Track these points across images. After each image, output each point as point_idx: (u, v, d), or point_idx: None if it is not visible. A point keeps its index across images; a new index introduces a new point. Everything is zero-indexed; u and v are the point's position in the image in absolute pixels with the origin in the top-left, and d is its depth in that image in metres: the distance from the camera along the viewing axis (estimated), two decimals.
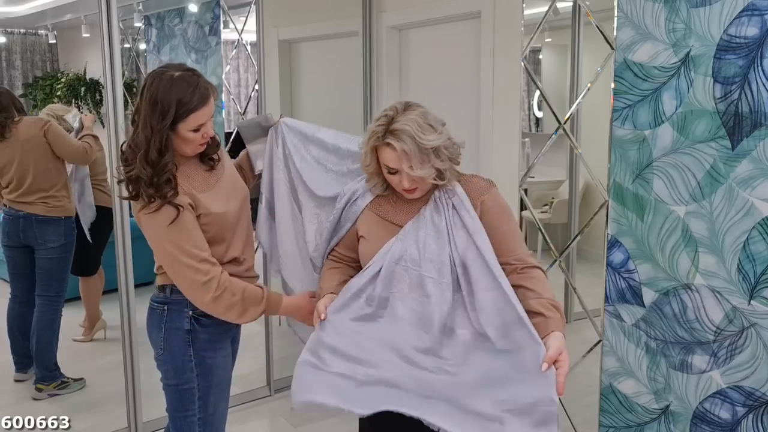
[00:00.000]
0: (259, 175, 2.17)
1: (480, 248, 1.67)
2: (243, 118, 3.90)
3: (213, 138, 1.90)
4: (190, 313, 1.87)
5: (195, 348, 1.89)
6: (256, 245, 2.18)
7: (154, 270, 1.93)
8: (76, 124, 3.60)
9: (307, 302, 1.94)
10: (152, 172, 1.73)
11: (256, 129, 2.15)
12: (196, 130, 1.78)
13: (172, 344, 1.88)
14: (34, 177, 3.30)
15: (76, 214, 3.62)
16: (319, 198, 2.06)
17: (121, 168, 1.81)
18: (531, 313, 1.62)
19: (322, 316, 1.75)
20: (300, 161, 2.10)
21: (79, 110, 3.78)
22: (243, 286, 1.81)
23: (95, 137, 3.51)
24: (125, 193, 1.79)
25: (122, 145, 1.83)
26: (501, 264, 1.69)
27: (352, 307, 1.75)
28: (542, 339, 1.57)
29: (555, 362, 1.54)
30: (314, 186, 2.06)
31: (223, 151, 2.00)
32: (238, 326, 2.08)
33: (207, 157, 1.91)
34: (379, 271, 1.73)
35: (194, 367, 1.89)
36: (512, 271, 1.69)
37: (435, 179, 1.71)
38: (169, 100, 1.72)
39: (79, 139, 3.49)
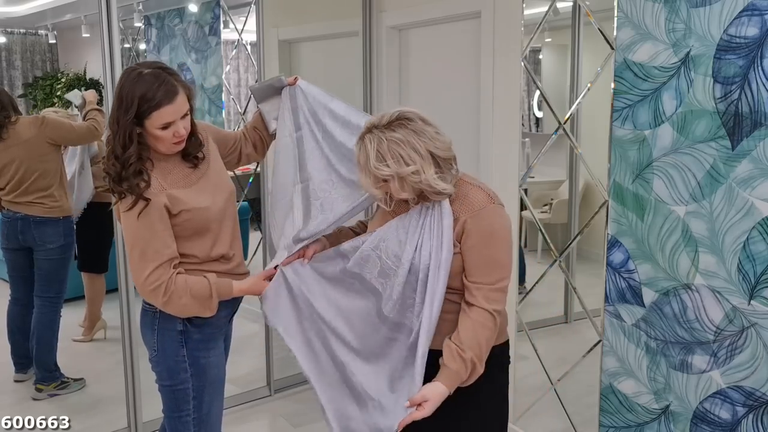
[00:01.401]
0: (275, 135, 2.14)
1: (431, 268, 1.67)
2: (242, 117, 3.90)
3: (196, 137, 1.89)
4: None
5: (188, 348, 1.89)
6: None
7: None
8: (78, 101, 3.56)
9: (260, 277, 1.93)
10: (120, 168, 1.75)
11: (269, 90, 2.11)
12: (164, 128, 1.77)
13: (165, 345, 1.89)
14: (34, 177, 3.29)
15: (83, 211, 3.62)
16: (335, 170, 2.02)
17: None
18: (440, 351, 1.69)
19: (305, 261, 1.89)
20: (318, 131, 2.06)
21: (79, 110, 3.76)
22: (189, 286, 1.80)
23: (100, 110, 3.45)
24: (106, 186, 1.83)
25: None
26: (466, 285, 1.69)
27: (332, 264, 1.87)
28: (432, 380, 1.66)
29: (418, 404, 1.63)
30: (335, 159, 2.03)
31: (212, 149, 1.99)
32: (230, 323, 2.08)
33: (190, 156, 1.90)
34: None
35: (188, 367, 1.90)
36: (468, 296, 1.69)
37: (388, 204, 1.73)
38: (132, 95, 1.73)
39: (85, 115, 3.45)
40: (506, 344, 1.83)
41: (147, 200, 1.76)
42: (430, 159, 1.62)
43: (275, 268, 1.92)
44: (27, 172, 3.28)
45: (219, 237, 1.91)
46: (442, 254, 1.66)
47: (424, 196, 1.70)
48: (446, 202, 1.69)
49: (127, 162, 1.75)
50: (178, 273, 1.81)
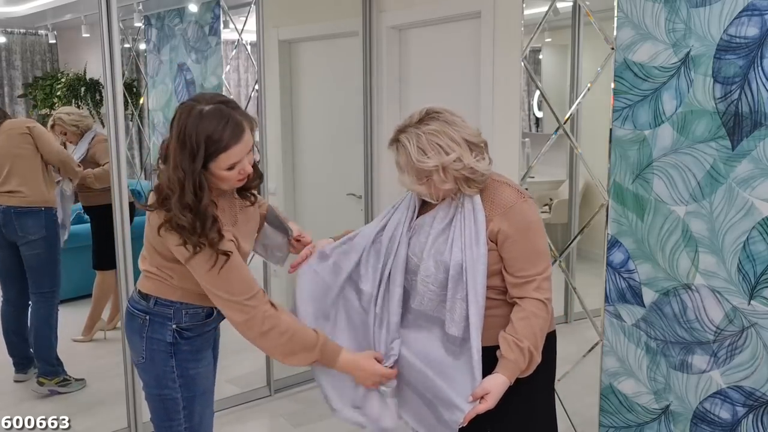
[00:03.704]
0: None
1: (467, 263, 1.69)
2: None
3: (257, 169, 1.76)
4: (174, 326, 1.80)
5: (177, 359, 1.82)
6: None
7: (139, 265, 1.84)
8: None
9: (371, 365, 1.78)
10: (192, 218, 1.60)
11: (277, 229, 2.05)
12: (230, 168, 1.65)
13: (154, 354, 1.82)
14: (11, 167, 3.28)
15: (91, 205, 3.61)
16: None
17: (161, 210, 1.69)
18: (496, 346, 1.70)
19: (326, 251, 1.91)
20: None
21: (78, 108, 3.78)
22: (294, 328, 1.71)
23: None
24: (175, 240, 1.64)
25: (157, 184, 1.70)
26: (509, 281, 1.72)
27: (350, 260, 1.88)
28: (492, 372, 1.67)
29: (480, 397, 1.65)
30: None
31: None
32: (217, 330, 2.01)
33: (247, 191, 1.80)
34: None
35: (177, 378, 1.83)
36: (518, 291, 1.71)
37: (435, 200, 1.74)
38: (197, 138, 1.58)
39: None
40: (554, 333, 1.88)
41: (228, 254, 1.65)
42: (465, 145, 1.68)
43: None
44: (4, 162, 3.27)
45: None
46: (479, 249, 1.69)
47: (451, 193, 1.73)
48: (477, 197, 1.73)
49: (205, 213, 1.61)
50: (278, 309, 1.72)
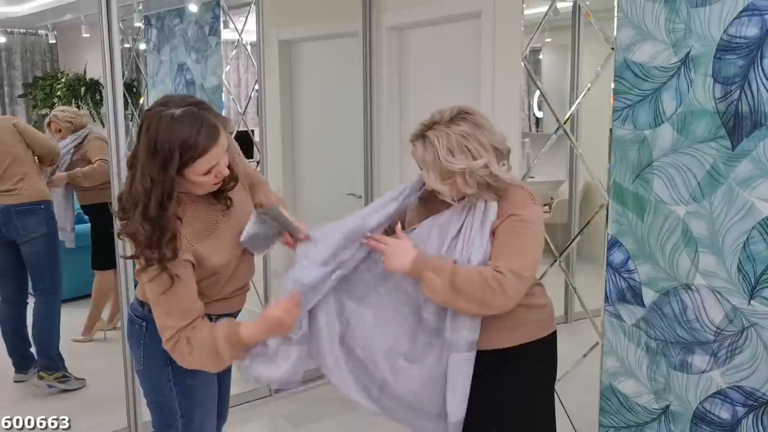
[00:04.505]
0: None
1: (471, 263, 1.67)
2: (242, 117, 3.89)
3: (231, 171, 1.68)
4: None
5: (173, 368, 1.74)
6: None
7: (134, 275, 1.76)
8: None
9: (270, 313, 1.65)
10: (151, 230, 1.52)
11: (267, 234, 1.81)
12: (206, 173, 1.57)
13: (150, 361, 1.77)
14: (8, 165, 3.28)
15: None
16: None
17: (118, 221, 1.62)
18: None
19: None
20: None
21: (78, 109, 3.80)
22: (192, 343, 1.60)
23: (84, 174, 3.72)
24: (128, 252, 1.60)
25: (120, 193, 1.62)
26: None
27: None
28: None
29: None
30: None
31: (241, 186, 1.80)
32: None
33: (222, 194, 1.71)
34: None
35: (173, 386, 1.78)
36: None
37: (454, 200, 1.71)
38: (171, 145, 1.49)
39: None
40: (554, 334, 1.86)
41: (174, 278, 1.57)
42: (493, 152, 1.65)
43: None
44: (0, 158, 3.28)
45: (227, 284, 1.77)
46: (479, 249, 1.67)
47: (472, 197, 1.71)
48: (494, 203, 1.70)
49: (166, 227, 1.53)
50: (192, 327, 1.62)
